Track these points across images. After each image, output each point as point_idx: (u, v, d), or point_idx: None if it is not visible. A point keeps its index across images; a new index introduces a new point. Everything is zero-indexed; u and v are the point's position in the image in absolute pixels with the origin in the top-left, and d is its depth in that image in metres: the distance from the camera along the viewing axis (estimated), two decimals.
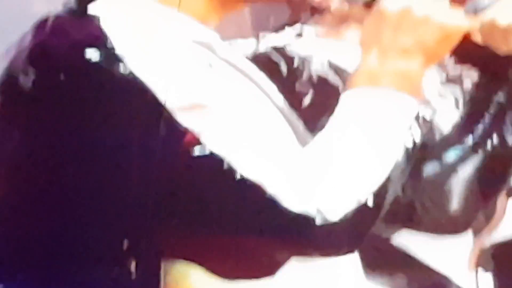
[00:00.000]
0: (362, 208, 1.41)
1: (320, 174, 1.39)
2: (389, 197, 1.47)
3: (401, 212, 1.73)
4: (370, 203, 1.39)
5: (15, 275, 1.45)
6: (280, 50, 2.14)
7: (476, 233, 2.24)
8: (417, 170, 1.65)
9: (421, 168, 1.74)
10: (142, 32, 1.45)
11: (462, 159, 1.80)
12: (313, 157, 1.43)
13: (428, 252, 2.24)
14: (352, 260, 1.63)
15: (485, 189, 1.78)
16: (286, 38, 2.25)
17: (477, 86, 1.83)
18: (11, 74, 1.54)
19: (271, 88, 1.65)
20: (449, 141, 1.75)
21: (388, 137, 1.46)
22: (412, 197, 1.70)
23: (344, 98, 1.50)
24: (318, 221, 1.36)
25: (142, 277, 1.38)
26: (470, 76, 1.94)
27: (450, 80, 2.22)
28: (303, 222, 1.37)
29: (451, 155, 1.78)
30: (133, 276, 1.38)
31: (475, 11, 1.67)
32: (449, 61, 2.07)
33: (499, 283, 2.41)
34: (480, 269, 2.36)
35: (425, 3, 1.58)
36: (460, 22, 1.60)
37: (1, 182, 1.51)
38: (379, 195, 1.42)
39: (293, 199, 1.36)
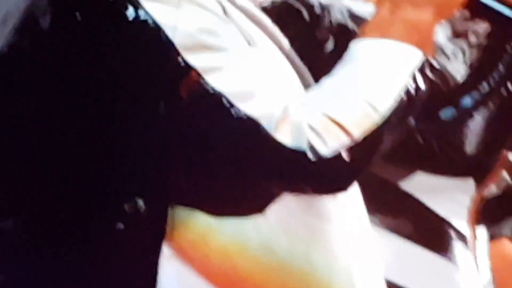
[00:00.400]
0: (355, 146, 1.47)
1: (315, 112, 1.47)
2: (388, 139, 1.55)
3: (419, 154, 2.02)
4: (363, 141, 1.46)
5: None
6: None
7: (479, 182, 2.32)
8: (434, 115, 1.90)
9: (438, 113, 1.94)
10: None
11: (478, 105, 1.99)
12: (311, 97, 1.53)
13: (433, 199, 2.34)
14: (352, 201, 1.68)
15: (498, 133, 2.02)
16: None
17: (489, 36, 1.92)
18: (31, 13, 1.60)
19: (280, 35, 1.72)
20: (465, 88, 1.94)
21: (385, 83, 1.53)
22: (430, 140, 1.94)
23: (352, 47, 1.57)
24: (311, 156, 1.43)
25: (149, 211, 1.49)
26: (478, 31, 2.05)
27: (457, 34, 2.28)
28: (297, 157, 1.45)
29: (467, 101, 1.95)
30: (142, 210, 1.49)
31: None
32: (457, 17, 2.09)
33: (491, 233, 2.51)
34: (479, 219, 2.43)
35: None
36: None
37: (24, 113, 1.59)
38: (374, 134, 1.48)
39: (287, 134, 1.45)
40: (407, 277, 2.35)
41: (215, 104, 1.49)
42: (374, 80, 1.54)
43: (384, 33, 1.56)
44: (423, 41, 1.57)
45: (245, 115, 1.48)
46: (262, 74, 1.55)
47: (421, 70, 1.54)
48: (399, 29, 1.57)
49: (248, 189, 1.53)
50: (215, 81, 1.49)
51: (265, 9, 1.94)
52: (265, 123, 1.47)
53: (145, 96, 1.52)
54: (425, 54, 1.55)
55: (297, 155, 1.47)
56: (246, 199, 1.54)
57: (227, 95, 1.48)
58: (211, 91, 1.47)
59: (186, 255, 1.55)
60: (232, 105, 1.48)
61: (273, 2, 2.18)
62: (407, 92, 1.52)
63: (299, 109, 1.49)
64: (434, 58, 1.69)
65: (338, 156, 1.46)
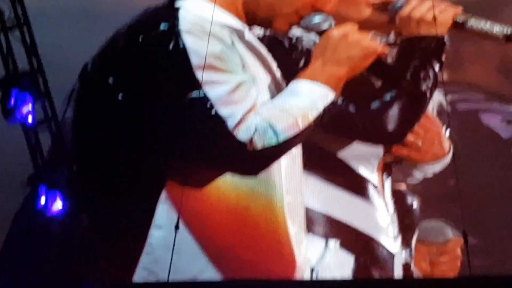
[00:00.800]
0: (274, 147, 2.70)
1: (261, 120, 2.67)
2: (299, 139, 2.84)
3: (357, 131, 3.36)
4: (279, 145, 2.71)
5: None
6: (282, 36, 3.43)
7: (386, 150, 3.68)
8: (367, 105, 3.27)
9: (370, 104, 3.27)
10: (198, 17, 2.78)
11: (393, 99, 3.28)
12: (264, 109, 2.74)
13: (357, 162, 3.66)
14: (293, 160, 3.10)
15: (406, 117, 3.36)
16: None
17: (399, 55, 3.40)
18: (114, 39, 2.97)
19: (271, 60, 3.09)
20: (386, 89, 3.36)
21: (307, 107, 2.76)
22: (364, 122, 3.30)
23: (293, 83, 2.84)
24: (249, 147, 2.64)
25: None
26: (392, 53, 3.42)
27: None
28: (239, 146, 2.65)
29: (387, 97, 3.26)
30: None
31: (395, 10, 3.38)
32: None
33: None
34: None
35: (355, 32, 2.92)
36: (377, 46, 2.95)
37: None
38: (289, 140, 2.73)
39: (241, 131, 2.64)
40: (341, 211, 3.65)
41: (202, 104, 2.61)
42: (302, 105, 2.75)
43: (315, 78, 2.81)
44: (336, 87, 2.84)
45: (217, 114, 2.59)
46: (243, 91, 2.69)
47: (332, 103, 2.85)
48: (324, 78, 2.82)
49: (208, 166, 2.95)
50: (210, 90, 2.61)
51: (260, 39, 3.19)
52: (229, 121, 2.60)
53: (170, 96, 2.73)
54: (336, 94, 2.85)
55: (240, 145, 2.64)
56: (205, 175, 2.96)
57: (213, 99, 2.61)
58: (203, 96, 2.59)
59: (174, 199, 2.90)
60: (212, 107, 2.59)
61: (264, 35, 3.35)
62: (322, 113, 2.79)
63: (253, 116, 2.64)
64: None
65: (264, 150, 2.66)
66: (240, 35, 2.99)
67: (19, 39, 4.26)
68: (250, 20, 3.10)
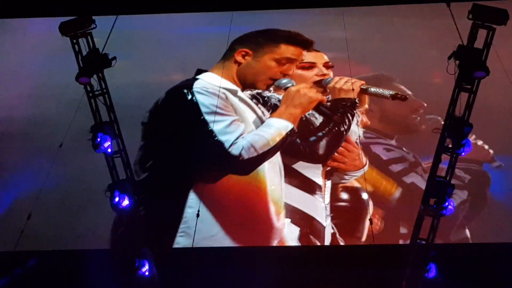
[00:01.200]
0: (257, 156, 7.43)
1: (247, 143, 7.48)
2: (272, 153, 7.60)
3: (302, 154, 7.80)
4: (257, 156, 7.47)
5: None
6: (261, 94, 8.15)
7: (324, 166, 8.03)
8: (307, 139, 7.81)
9: (309, 139, 7.78)
10: (207, 83, 7.70)
11: (324, 135, 7.75)
12: (249, 136, 7.52)
13: (307, 171, 8.05)
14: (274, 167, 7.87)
15: (331, 146, 7.76)
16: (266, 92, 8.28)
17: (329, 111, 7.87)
18: (156, 105, 7.84)
19: (255, 108, 7.91)
20: (319, 129, 7.88)
21: (275, 134, 7.51)
22: (305, 148, 7.78)
23: (268, 119, 7.71)
24: (240, 159, 7.47)
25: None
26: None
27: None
28: (233, 158, 7.40)
29: (320, 134, 7.85)
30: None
31: (326, 84, 8.15)
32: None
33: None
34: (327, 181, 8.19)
35: (305, 88, 7.70)
36: (318, 96, 7.69)
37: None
38: (264, 153, 7.47)
39: (234, 150, 7.39)
40: (295, 200, 7.82)
41: (210, 134, 7.38)
42: (273, 132, 7.48)
43: (281, 116, 7.59)
44: (294, 121, 7.60)
45: (219, 140, 7.37)
46: (235, 125, 7.46)
47: (291, 130, 7.59)
48: (286, 116, 7.56)
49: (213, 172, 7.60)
50: (214, 126, 7.37)
51: (251, 96, 8.02)
52: (226, 144, 7.37)
53: (191, 133, 7.50)
54: (294, 125, 7.61)
55: (234, 157, 7.37)
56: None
57: (216, 131, 7.41)
58: (210, 128, 7.37)
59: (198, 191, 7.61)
60: (216, 136, 7.39)
61: (250, 94, 7.98)
62: (285, 137, 7.50)
63: (241, 140, 7.39)
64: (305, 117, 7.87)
65: (249, 159, 7.38)
66: (234, 93, 7.65)
67: (102, 102, 6.79)
68: (242, 84, 7.44)
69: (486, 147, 8.39)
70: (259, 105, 7.89)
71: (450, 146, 6.63)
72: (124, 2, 7.37)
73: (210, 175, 7.53)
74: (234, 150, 7.32)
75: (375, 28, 8.78)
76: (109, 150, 6.79)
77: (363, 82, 7.91)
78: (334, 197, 8.16)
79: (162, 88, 7.87)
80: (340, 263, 7.92)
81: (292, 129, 7.52)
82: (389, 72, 8.64)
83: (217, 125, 7.34)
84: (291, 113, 7.44)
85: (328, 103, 7.79)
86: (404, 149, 8.52)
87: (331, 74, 8.14)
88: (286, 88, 7.67)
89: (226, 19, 7.79)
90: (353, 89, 7.66)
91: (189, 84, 7.60)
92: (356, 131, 8.01)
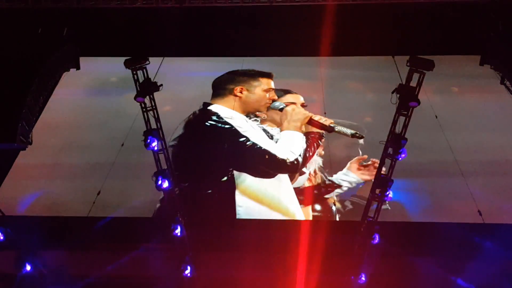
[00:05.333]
0: (297, 160, 10.62)
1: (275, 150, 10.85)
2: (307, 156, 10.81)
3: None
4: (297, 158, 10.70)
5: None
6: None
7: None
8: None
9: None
10: (222, 112, 11.07)
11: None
12: (279, 145, 10.85)
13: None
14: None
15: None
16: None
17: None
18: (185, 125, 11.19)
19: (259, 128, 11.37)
20: None
21: (294, 143, 10.68)
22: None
23: (283, 132, 10.93)
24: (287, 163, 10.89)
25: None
26: None
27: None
28: (282, 162, 10.69)
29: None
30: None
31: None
32: None
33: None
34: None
35: (297, 108, 11.09)
36: (308, 113, 10.97)
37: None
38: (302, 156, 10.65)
39: (280, 154, 10.70)
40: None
41: (251, 145, 10.69)
42: (294, 141, 10.65)
43: (289, 129, 10.81)
44: (300, 131, 10.78)
45: (261, 148, 10.61)
46: (264, 140, 10.80)
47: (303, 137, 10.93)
48: (293, 128, 10.76)
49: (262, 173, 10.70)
50: (253, 140, 10.74)
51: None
52: (274, 152, 10.66)
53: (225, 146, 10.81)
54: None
55: (282, 161, 10.59)
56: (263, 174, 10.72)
57: (257, 142, 10.73)
58: (250, 141, 10.70)
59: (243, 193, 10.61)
60: (257, 144, 10.66)
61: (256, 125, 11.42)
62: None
63: (279, 148, 10.68)
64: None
65: (294, 161, 10.65)
66: (245, 118, 11.07)
67: (152, 115, 9.76)
68: (245, 112, 10.88)
69: None
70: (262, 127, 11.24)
71: (391, 153, 9.44)
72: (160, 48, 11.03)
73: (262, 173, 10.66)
74: (281, 155, 10.48)
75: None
76: (156, 148, 9.68)
77: (332, 120, 10.70)
78: None
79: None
80: None
81: (303, 137, 10.67)
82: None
83: (254, 138, 10.60)
84: (295, 126, 10.48)
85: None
86: None
87: None
88: (281, 109, 10.66)
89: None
90: (323, 125, 10.65)
91: (208, 113, 10.92)
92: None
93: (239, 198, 10.43)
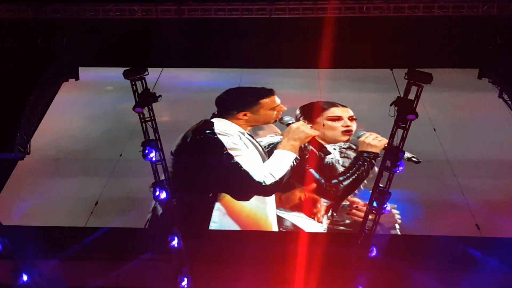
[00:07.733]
0: (274, 183, 11.81)
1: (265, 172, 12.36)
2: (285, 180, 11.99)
3: (323, 192, 11.86)
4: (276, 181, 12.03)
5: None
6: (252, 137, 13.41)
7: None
8: (330, 181, 12.02)
9: (332, 181, 11.97)
10: (223, 126, 12.61)
11: (344, 179, 11.77)
12: (264, 166, 12.18)
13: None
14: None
15: (349, 191, 11.54)
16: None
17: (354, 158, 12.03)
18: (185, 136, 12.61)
19: (257, 147, 12.83)
20: None
21: (281, 165, 11.90)
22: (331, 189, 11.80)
23: (275, 151, 12.48)
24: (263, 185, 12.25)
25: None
26: None
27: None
28: (257, 184, 11.73)
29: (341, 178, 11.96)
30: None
31: (357, 137, 12.45)
32: None
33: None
34: None
35: (302, 125, 12.51)
36: (312, 132, 12.58)
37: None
38: (280, 178, 11.90)
39: (257, 177, 11.82)
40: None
41: (233, 163, 11.84)
42: (281, 162, 11.64)
43: (285, 148, 12.12)
44: (295, 151, 12.11)
45: (244, 168, 11.81)
46: (250, 159, 11.95)
47: (295, 159, 12.17)
48: (290, 147, 12.03)
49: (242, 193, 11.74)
50: (237, 158, 11.93)
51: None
52: (251, 173, 11.89)
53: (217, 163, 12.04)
54: (296, 154, 12.36)
55: (258, 184, 11.62)
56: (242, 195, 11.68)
57: (239, 162, 12.06)
58: (234, 160, 11.93)
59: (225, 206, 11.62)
60: (241, 166, 11.99)
61: (251, 141, 12.79)
62: (292, 165, 12.00)
63: (262, 171, 11.86)
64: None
65: (270, 185, 11.79)
66: (242, 133, 10.83)
67: (150, 126, 9.73)
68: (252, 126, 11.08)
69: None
70: (258, 144, 11.43)
71: (389, 165, 9.41)
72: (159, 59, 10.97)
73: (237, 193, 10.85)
74: (258, 178, 10.60)
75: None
76: (154, 159, 9.59)
77: (387, 140, 9.63)
78: None
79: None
80: None
81: (296, 158, 10.84)
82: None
83: (239, 158, 10.81)
84: (292, 145, 10.73)
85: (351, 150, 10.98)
86: None
87: (354, 125, 11.52)
88: (288, 124, 10.78)
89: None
90: (377, 145, 10.61)
91: (207, 125, 11.14)
92: None
93: (216, 214, 10.82)
